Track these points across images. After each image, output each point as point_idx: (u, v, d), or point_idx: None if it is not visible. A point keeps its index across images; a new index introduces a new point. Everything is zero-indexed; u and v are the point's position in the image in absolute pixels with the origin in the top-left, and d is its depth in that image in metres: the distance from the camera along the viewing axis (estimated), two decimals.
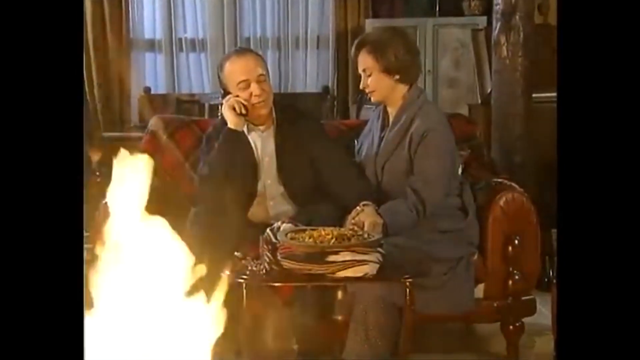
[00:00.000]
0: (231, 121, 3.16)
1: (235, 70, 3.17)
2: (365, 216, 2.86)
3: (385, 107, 3.19)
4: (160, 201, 3.35)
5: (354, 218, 2.86)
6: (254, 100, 3.15)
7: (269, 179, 3.25)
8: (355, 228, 2.73)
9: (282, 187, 3.24)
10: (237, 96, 3.15)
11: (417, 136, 3.02)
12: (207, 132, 3.38)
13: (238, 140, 3.17)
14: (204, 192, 3.21)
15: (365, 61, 3.09)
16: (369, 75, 3.09)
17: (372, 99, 3.18)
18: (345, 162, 3.24)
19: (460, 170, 3.34)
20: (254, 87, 3.14)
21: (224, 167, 3.14)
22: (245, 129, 3.22)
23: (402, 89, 3.10)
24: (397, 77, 3.08)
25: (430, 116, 3.07)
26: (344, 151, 3.31)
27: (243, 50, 3.47)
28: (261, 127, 3.27)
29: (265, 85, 3.17)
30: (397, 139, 3.08)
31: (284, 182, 3.23)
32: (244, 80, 3.14)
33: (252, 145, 3.25)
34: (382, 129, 3.19)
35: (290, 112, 3.34)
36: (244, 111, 3.15)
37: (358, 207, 2.90)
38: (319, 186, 3.22)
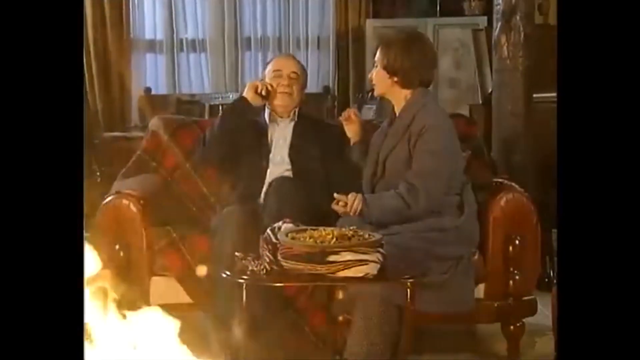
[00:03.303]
0: (247, 93, 3.45)
1: (275, 63, 3.55)
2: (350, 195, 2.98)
3: (393, 106, 3.22)
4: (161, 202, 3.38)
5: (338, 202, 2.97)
6: (280, 88, 3.44)
7: (278, 156, 3.44)
8: (356, 229, 2.73)
9: (290, 164, 3.42)
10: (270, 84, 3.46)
11: (416, 131, 3.03)
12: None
13: (246, 107, 3.43)
14: (204, 154, 3.45)
15: (377, 54, 3.18)
16: (375, 68, 3.17)
17: (374, 91, 3.26)
18: (347, 171, 3.32)
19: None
20: (284, 78, 3.46)
21: (225, 130, 3.39)
22: (267, 116, 3.49)
23: (404, 91, 3.12)
24: (396, 79, 3.10)
25: (431, 113, 3.09)
26: (350, 165, 3.36)
27: (291, 55, 4.01)
28: (283, 117, 3.51)
29: (294, 82, 3.48)
30: (398, 135, 3.10)
31: (291, 160, 3.42)
32: (277, 70, 3.48)
33: (268, 128, 3.48)
34: (389, 125, 3.21)
35: (314, 117, 3.72)
36: (264, 92, 3.42)
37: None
38: (320, 179, 3.38)
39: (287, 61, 3.56)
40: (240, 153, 3.40)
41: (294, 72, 3.49)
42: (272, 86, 3.45)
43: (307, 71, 3.69)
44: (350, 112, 3.35)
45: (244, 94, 3.47)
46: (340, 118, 3.34)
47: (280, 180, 3.30)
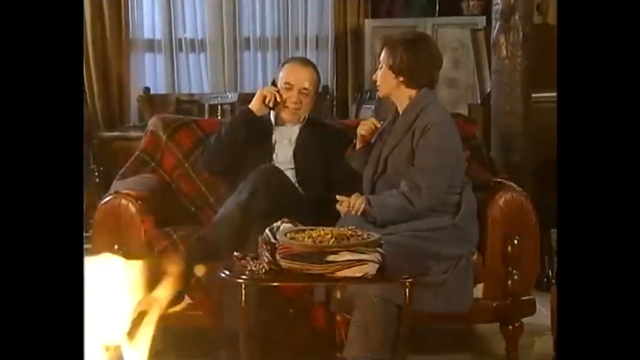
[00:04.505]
0: (254, 104, 3.42)
1: (288, 72, 3.48)
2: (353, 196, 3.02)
3: (396, 106, 3.22)
4: (161, 202, 3.38)
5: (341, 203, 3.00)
6: (288, 103, 3.43)
7: (282, 156, 3.45)
8: (355, 229, 2.73)
9: (293, 164, 3.43)
10: (278, 91, 3.43)
11: (419, 129, 3.05)
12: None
13: (252, 118, 3.41)
14: (208, 163, 3.48)
15: (382, 54, 3.17)
16: (380, 68, 3.15)
17: (378, 92, 3.24)
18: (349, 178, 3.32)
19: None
20: (294, 94, 3.43)
21: (231, 141, 3.39)
22: (272, 118, 3.48)
23: (409, 91, 3.12)
24: (402, 79, 3.11)
25: (434, 113, 3.10)
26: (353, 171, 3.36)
27: (306, 61, 3.71)
28: (291, 122, 3.50)
29: (305, 98, 3.46)
30: (401, 132, 3.11)
31: (295, 160, 3.44)
32: (288, 83, 3.44)
33: (273, 129, 3.49)
34: (392, 124, 3.21)
35: (321, 120, 3.74)
36: (271, 104, 3.40)
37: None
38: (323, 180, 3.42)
39: (301, 74, 3.46)
40: (244, 155, 3.40)
41: (305, 89, 3.44)
42: (280, 96, 3.42)
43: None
44: (373, 123, 3.27)
45: (251, 105, 3.44)
46: (363, 132, 3.25)
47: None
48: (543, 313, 3.26)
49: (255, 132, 3.44)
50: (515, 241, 3.14)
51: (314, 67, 3.59)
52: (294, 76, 3.46)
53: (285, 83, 3.45)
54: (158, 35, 6.81)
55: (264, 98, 3.40)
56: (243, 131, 3.41)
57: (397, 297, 2.70)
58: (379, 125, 3.25)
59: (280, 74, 3.52)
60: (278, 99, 3.41)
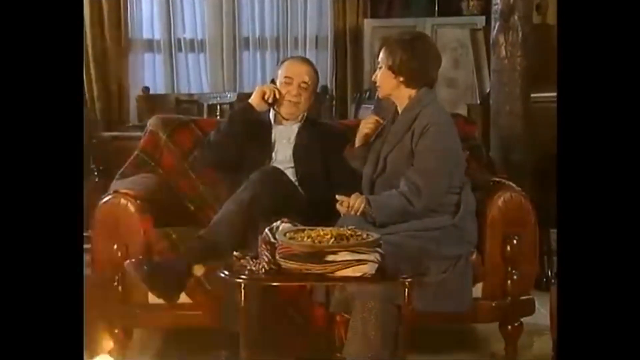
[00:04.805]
0: (254, 99, 3.44)
1: (288, 68, 3.52)
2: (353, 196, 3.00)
3: (396, 106, 3.22)
4: (160, 202, 3.38)
5: (341, 203, 2.98)
6: (288, 97, 3.44)
7: (281, 155, 3.46)
8: (354, 228, 2.73)
9: (293, 163, 3.44)
10: (277, 88, 3.45)
11: (418, 129, 3.04)
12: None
13: (252, 113, 3.42)
14: (207, 156, 3.47)
15: (381, 55, 3.17)
16: (380, 69, 3.16)
17: (378, 93, 3.23)
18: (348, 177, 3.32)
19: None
20: (294, 88, 3.45)
21: (231, 136, 3.39)
22: (272, 116, 3.50)
23: (409, 91, 3.12)
24: (402, 79, 3.11)
25: (434, 113, 3.10)
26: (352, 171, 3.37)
27: (304, 59, 3.78)
28: (290, 120, 3.51)
29: (304, 92, 3.48)
30: (401, 132, 3.11)
31: (295, 159, 3.44)
32: (288, 77, 3.47)
33: (272, 128, 3.50)
34: (391, 123, 3.22)
35: (320, 119, 3.77)
36: (270, 99, 3.42)
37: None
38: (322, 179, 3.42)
39: (300, 68, 3.50)
40: (243, 153, 3.40)
41: (305, 82, 3.46)
42: (280, 93, 3.44)
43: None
44: (376, 119, 3.28)
45: (251, 100, 3.45)
46: (366, 129, 3.26)
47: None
48: (542, 313, 3.26)
49: (255, 128, 3.45)
50: (515, 241, 3.14)
51: (313, 65, 3.61)
52: (294, 71, 3.48)
53: (285, 77, 3.47)
54: (157, 35, 6.81)
55: (264, 94, 3.42)
56: (242, 125, 3.41)
57: (397, 297, 2.70)
58: (381, 121, 3.26)
59: (280, 70, 3.54)
60: (277, 95, 3.43)
